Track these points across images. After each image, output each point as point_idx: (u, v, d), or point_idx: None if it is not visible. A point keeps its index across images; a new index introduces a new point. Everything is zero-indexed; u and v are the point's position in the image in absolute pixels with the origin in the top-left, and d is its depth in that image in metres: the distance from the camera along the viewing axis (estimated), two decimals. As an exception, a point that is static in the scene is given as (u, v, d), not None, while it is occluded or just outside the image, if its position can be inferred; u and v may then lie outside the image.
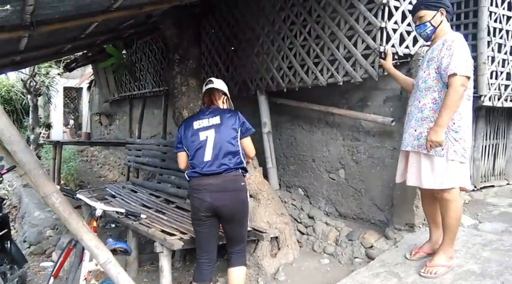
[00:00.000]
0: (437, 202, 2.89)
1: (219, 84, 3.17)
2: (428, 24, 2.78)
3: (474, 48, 3.78)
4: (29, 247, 5.88)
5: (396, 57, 3.57)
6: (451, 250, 2.81)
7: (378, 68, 3.47)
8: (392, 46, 3.50)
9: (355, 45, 3.65)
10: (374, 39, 3.49)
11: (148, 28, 5.91)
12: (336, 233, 4.00)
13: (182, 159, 3.05)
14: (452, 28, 3.95)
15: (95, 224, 3.23)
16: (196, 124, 2.96)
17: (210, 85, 3.12)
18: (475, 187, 4.50)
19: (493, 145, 4.72)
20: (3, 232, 3.97)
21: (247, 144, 3.04)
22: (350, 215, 4.21)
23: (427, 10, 2.78)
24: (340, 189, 4.30)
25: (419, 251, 3.06)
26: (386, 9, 3.45)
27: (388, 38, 3.47)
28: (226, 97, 3.17)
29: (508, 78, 4.05)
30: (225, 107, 3.14)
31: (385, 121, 3.69)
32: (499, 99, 3.94)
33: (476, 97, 3.73)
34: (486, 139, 4.62)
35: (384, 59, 3.40)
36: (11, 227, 7.28)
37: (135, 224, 3.92)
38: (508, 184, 4.87)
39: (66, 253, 3.54)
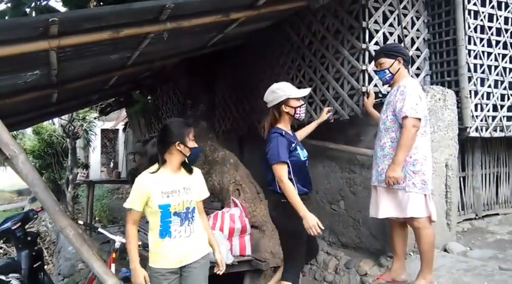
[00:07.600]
0: (402, 235, 3.16)
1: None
2: (387, 71, 3.09)
3: (457, 84, 4.02)
4: (62, 280, 6.37)
5: (380, 95, 3.87)
6: (429, 275, 2.98)
7: (362, 106, 3.78)
8: (375, 86, 3.82)
9: (342, 86, 4.00)
10: (357, 80, 3.83)
11: (165, 77, 6.51)
12: (335, 262, 4.19)
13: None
14: (436, 65, 4.26)
15: (114, 255, 3.68)
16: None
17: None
18: (477, 215, 4.58)
19: (494, 173, 4.81)
20: (38, 264, 4.45)
21: None
22: (351, 245, 4.39)
23: (386, 58, 3.08)
24: (341, 220, 4.51)
25: (380, 278, 3.28)
26: (367, 53, 3.80)
27: (370, 79, 3.80)
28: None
29: (495, 110, 4.22)
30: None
31: (375, 154, 3.93)
32: (486, 130, 4.10)
33: (462, 129, 3.93)
34: (485, 168, 4.73)
35: (368, 98, 3.71)
36: (49, 262, 7.93)
37: (151, 256, 4.28)
38: (514, 211, 4.90)
39: (89, 282, 4.01)
